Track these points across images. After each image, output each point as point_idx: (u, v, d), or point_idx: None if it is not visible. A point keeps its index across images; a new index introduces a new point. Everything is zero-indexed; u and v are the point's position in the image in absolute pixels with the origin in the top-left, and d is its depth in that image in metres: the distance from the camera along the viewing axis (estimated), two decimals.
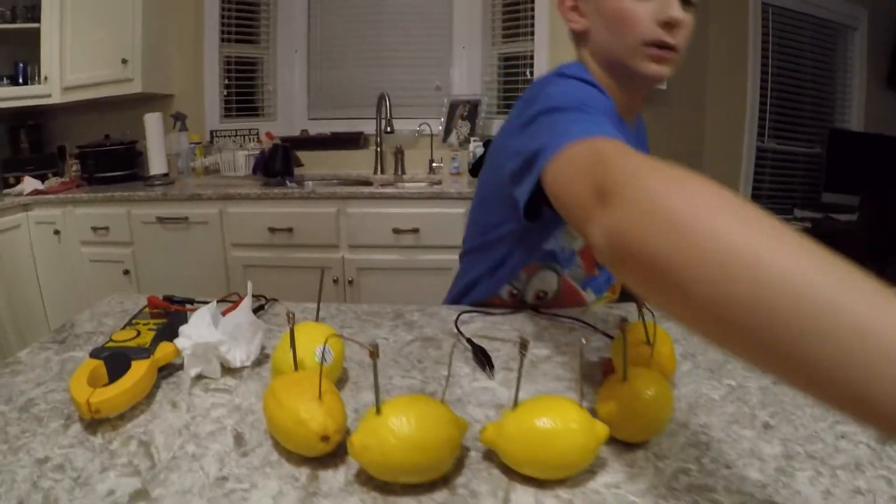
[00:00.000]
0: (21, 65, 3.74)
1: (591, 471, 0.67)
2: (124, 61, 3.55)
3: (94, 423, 0.75)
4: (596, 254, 0.64)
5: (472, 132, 3.80)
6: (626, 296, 1.39)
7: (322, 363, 0.71)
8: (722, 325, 0.47)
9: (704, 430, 0.75)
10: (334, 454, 0.68)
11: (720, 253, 0.47)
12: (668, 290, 0.52)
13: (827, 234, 3.65)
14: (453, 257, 2.89)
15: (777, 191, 4.65)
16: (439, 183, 3.48)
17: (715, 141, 4.32)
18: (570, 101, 0.91)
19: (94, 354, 0.82)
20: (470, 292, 1.32)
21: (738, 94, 4.33)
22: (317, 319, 0.93)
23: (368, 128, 3.95)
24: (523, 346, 0.63)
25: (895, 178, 4.34)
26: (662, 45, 1.02)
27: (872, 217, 3.42)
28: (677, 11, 0.99)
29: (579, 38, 1.15)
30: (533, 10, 3.84)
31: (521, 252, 1.21)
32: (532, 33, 3.87)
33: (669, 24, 1.00)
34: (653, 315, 0.86)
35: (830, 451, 0.70)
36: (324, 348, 0.73)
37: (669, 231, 0.51)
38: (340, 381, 0.89)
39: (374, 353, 0.61)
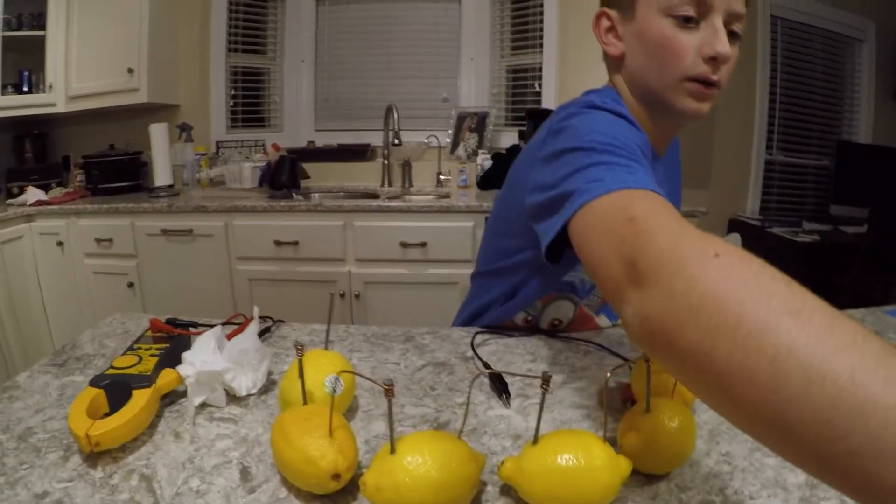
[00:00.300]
0: (26, 73, 3.72)
1: None
2: (130, 70, 3.53)
3: (95, 455, 0.72)
4: (628, 333, 0.60)
5: (479, 145, 3.79)
6: None
7: (333, 394, 0.67)
8: (770, 428, 0.45)
9: (727, 459, 0.73)
10: (345, 490, 0.66)
11: (769, 353, 0.43)
12: (708, 385, 0.49)
13: (836, 247, 3.64)
14: (461, 271, 2.90)
15: (785, 203, 4.63)
16: (447, 196, 3.47)
17: (723, 153, 4.31)
18: (601, 141, 0.84)
19: (94, 383, 0.79)
20: (482, 316, 1.28)
21: (746, 106, 4.32)
22: (326, 347, 0.89)
23: (375, 139, 3.93)
24: (545, 381, 0.61)
25: None
26: (705, 82, 0.95)
27: (881, 229, 3.40)
28: (725, 46, 0.91)
29: (613, 63, 1.07)
30: (542, 22, 3.83)
31: (539, 282, 1.16)
32: (541, 45, 3.86)
33: (715, 60, 0.93)
34: None
35: None
36: (335, 380, 0.70)
37: (712, 326, 0.48)
38: (351, 410, 0.86)
39: (389, 391, 0.59)
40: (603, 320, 1.28)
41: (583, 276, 1.18)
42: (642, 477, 0.69)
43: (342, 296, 3.14)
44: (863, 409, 0.38)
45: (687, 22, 0.92)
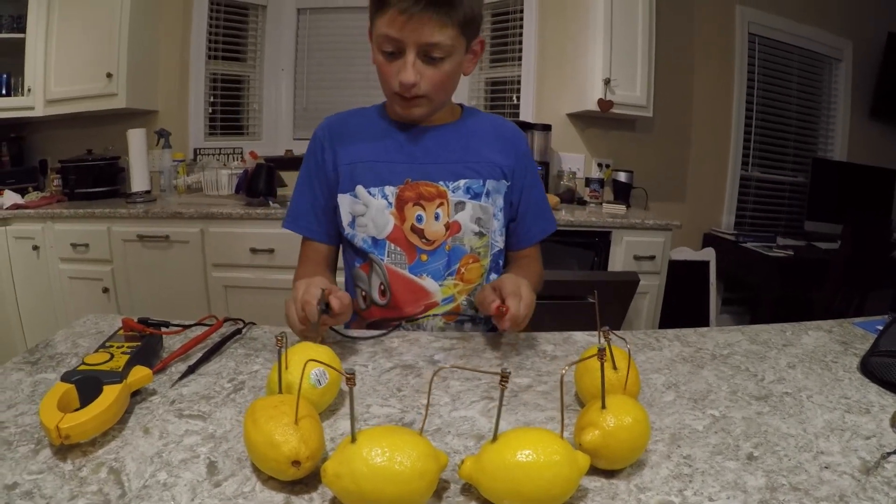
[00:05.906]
0: (4, 76, 3.70)
1: None
2: (109, 75, 3.52)
3: (65, 448, 0.73)
4: None
5: None
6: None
7: (308, 386, 0.69)
8: None
9: (688, 462, 0.74)
10: (308, 483, 0.67)
11: None
12: None
13: (809, 262, 3.68)
14: None
15: (760, 219, 4.68)
16: None
17: (699, 168, 4.35)
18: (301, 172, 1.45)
19: (66, 378, 0.80)
20: None
21: (723, 122, 4.37)
22: (318, 341, 0.91)
23: None
24: (504, 378, 0.62)
25: (877, 208, 4.38)
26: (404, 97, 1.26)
27: (854, 246, 3.44)
28: (407, 77, 1.20)
29: None
30: (521, 36, 3.87)
31: (348, 257, 1.44)
32: (519, 59, 3.90)
33: (403, 85, 1.22)
34: (625, 341, 0.86)
35: (815, 483, 0.69)
36: (320, 373, 0.71)
37: None
38: (333, 407, 0.87)
39: (350, 380, 0.60)
40: (427, 281, 1.35)
41: (356, 232, 1.37)
42: (602, 477, 0.70)
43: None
44: None
45: (390, 56, 1.23)
